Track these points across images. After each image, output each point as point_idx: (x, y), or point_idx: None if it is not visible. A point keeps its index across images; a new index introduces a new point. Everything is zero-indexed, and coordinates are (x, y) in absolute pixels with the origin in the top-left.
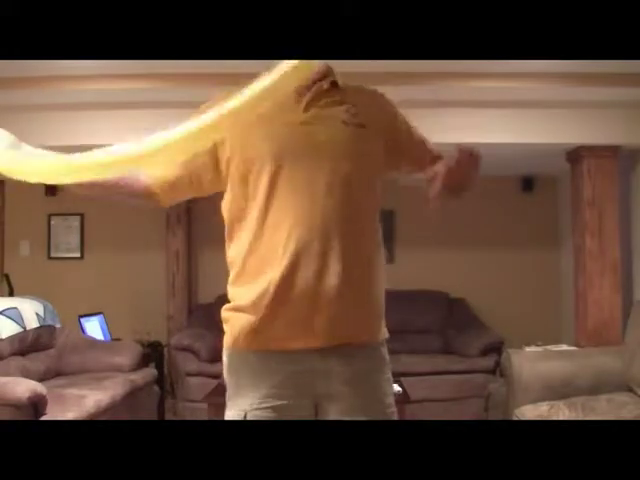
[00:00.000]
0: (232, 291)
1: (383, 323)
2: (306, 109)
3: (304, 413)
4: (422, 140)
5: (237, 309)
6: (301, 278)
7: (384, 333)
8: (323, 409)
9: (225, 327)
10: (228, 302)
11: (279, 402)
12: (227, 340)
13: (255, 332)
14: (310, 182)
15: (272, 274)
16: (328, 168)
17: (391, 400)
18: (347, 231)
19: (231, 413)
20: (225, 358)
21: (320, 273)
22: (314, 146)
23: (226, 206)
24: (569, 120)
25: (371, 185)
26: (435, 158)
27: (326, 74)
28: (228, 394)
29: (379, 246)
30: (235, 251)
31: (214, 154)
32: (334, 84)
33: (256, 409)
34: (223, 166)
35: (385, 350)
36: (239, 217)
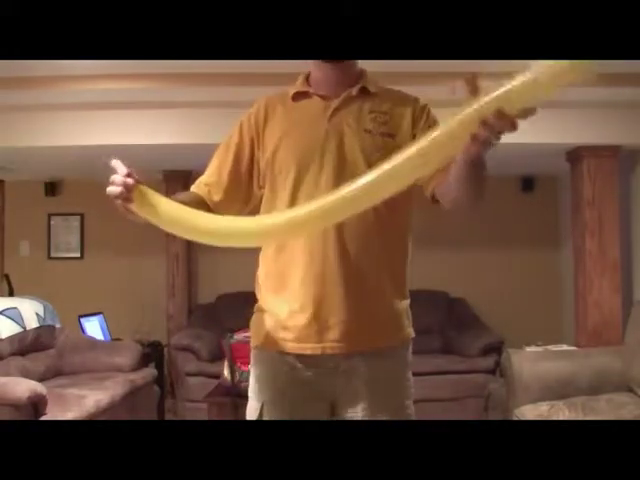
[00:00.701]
0: (259, 293)
1: (405, 324)
2: (332, 117)
3: (319, 411)
4: None
5: (261, 311)
6: (317, 286)
7: (408, 334)
8: (339, 408)
9: (251, 325)
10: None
11: (295, 398)
12: (252, 337)
13: (274, 336)
14: (330, 191)
15: (292, 281)
16: (350, 178)
17: (409, 402)
18: (365, 242)
19: (251, 403)
20: (252, 352)
21: (335, 282)
22: (335, 155)
23: (261, 209)
24: (569, 120)
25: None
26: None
27: (358, 79)
28: (250, 386)
29: (402, 254)
30: (262, 257)
31: (256, 162)
32: (364, 90)
33: (273, 401)
34: (261, 175)
35: (408, 351)
36: None
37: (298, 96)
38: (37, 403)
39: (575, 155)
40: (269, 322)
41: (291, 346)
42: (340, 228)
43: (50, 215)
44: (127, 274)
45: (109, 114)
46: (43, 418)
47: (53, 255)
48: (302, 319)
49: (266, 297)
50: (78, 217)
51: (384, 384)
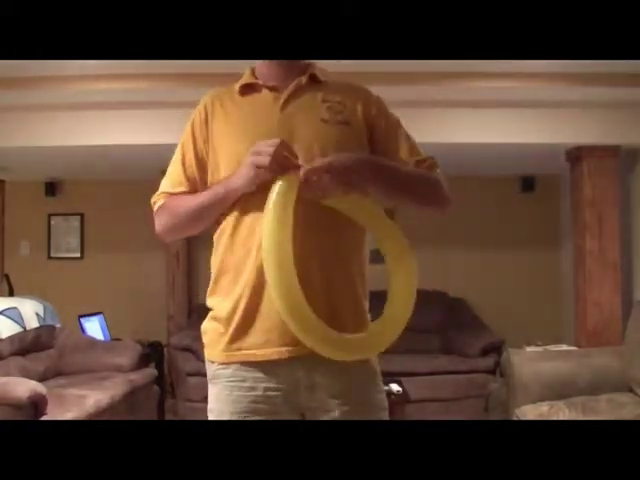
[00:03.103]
0: (209, 302)
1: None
2: (283, 107)
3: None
4: (409, 144)
5: (215, 320)
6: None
7: None
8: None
9: (204, 339)
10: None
11: (257, 417)
12: (206, 352)
13: (230, 344)
14: None
15: (243, 284)
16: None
17: (385, 414)
18: (323, 237)
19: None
20: (207, 370)
21: (306, 280)
22: (291, 146)
23: None
24: (569, 120)
25: None
26: (419, 163)
27: (306, 70)
28: (209, 406)
29: (360, 250)
30: (213, 259)
31: (203, 162)
32: (313, 77)
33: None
34: (209, 173)
35: (375, 361)
36: (218, 221)
37: (246, 89)
38: (37, 403)
39: (575, 155)
40: (221, 333)
41: (255, 353)
42: (302, 229)
43: (50, 215)
44: (127, 274)
45: (109, 114)
46: (43, 418)
47: (53, 255)
48: (268, 322)
49: (216, 306)
50: (78, 217)
51: (360, 396)
